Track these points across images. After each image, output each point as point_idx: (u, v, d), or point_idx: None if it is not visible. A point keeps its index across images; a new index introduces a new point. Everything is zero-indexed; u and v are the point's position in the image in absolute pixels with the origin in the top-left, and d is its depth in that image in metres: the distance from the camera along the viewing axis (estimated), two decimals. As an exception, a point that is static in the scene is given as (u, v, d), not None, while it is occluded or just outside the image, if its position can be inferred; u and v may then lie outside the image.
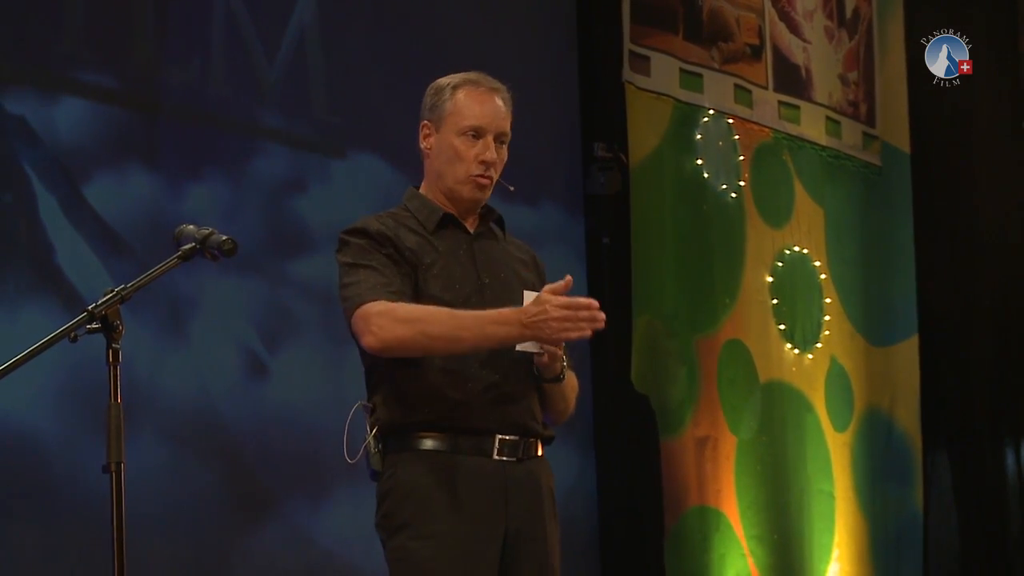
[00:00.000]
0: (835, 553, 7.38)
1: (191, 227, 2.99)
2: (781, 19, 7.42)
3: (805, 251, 7.48)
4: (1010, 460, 7.81)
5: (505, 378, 3.22)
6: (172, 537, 4.57)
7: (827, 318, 7.58)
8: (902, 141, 8.06)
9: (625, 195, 6.36)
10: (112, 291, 2.84)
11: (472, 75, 3.36)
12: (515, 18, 6.14)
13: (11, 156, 4.37)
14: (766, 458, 6.94)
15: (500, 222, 3.44)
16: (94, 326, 2.81)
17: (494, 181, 3.34)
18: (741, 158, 7.04)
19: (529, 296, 3.20)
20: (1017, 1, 7.99)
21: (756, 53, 7.22)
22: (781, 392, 7.18)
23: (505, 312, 3.12)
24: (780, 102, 7.37)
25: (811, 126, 7.58)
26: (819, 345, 7.49)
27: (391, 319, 3.13)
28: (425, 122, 3.36)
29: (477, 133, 3.30)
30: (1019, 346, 7.86)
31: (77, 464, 4.28)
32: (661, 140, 6.63)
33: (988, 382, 7.88)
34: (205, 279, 4.74)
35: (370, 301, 3.16)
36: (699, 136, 6.82)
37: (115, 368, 2.82)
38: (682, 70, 6.72)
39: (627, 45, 6.42)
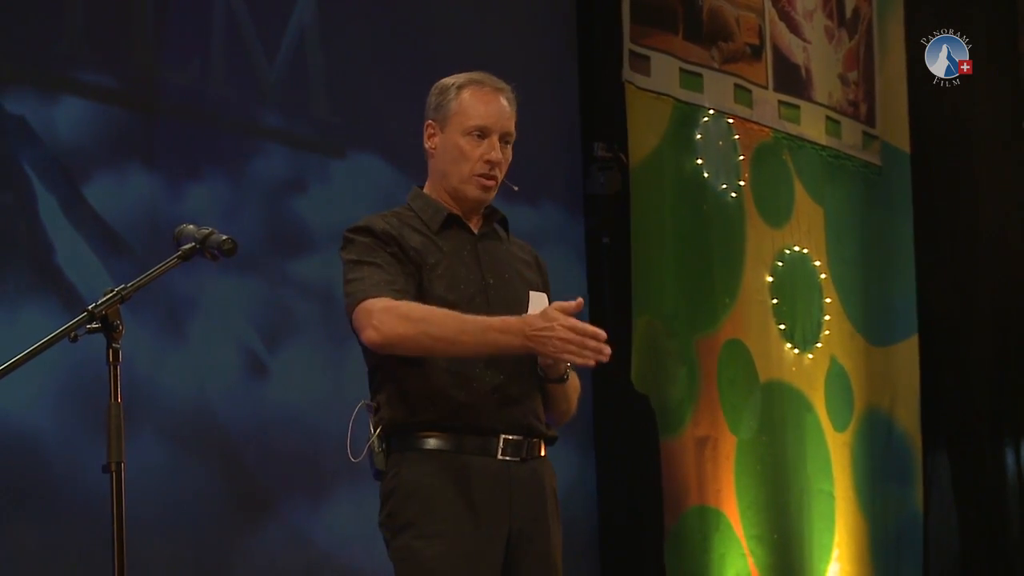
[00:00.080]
0: (835, 553, 7.38)
1: (191, 227, 2.99)
2: (781, 19, 7.42)
3: (805, 251, 7.48)
4: (1010, 460, 7.81)
5: (510, 378, 3.22)
6: (172, 537, 4.57)
7: (827, 318, 7.58)
8: (902, 141, 8.06)
9: (625, 195, 6.36)
10: (112, 291, 2.84)
11: (477, 75, 3.36)
12: (515, 18, 6.14)
13: (11, 156, 4.37)
14: (766, 458, 6.94)
15: (504, 223, 3.44)
16: (94, 326, 2.81)
17: (499, 181, 3.34)
18: (741, 158, 7.04)
19: (535, 297, 3.20)
20: (1017, 1, 7.99)
21: (756, 53, 7.23)
22: (781, 392, 7.18)
23: (510, 321, 3.11)
24: (780, 102, 7.37)
25: (811, 126, 7.58)
26: (819, 345, 7.49)
27: (394, 316, 3.12)
28: (429, 122, 3.36)
29: (482, 133, 3.30)
30: (1019, 346, 7.86)
31: (77, 464, 4.28)
32: (661, 140, 6.63)
33: (988, 382, 7.88)
34: (205, 279, 4.74)
35: (373, 297, 3.16)
36: (699, 136, 6.82)
37: (115, 368, 2.82)
38: (682, 70, 6.72)
39: (627, 45, 6.42)
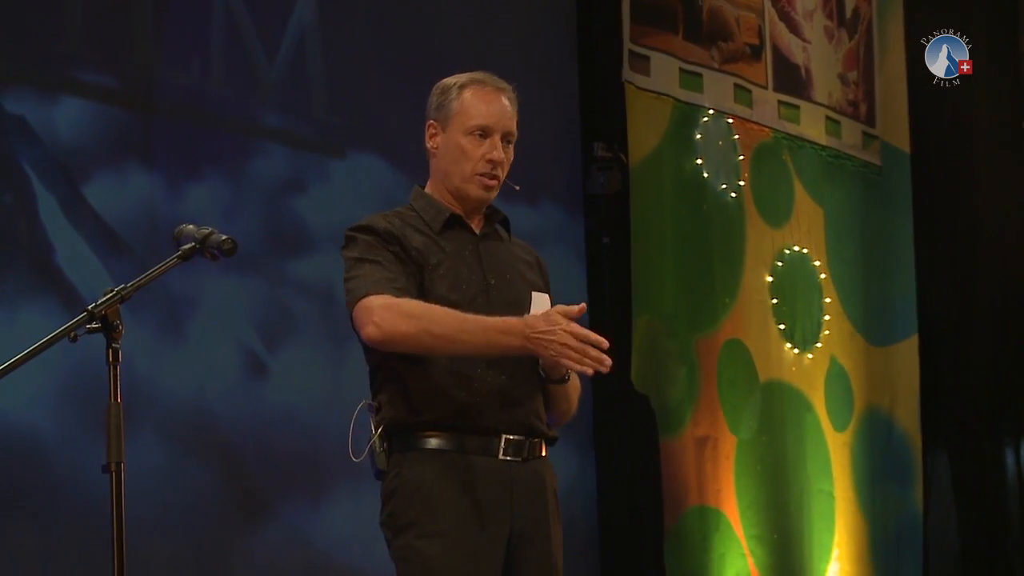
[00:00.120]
0: (835, 553, 7.38)
1: (191, 227, 2.99)
2: (781, 19, 7.42)
3: (805, 251, 7.48)
4: (1010, 460, 7.81)
5: (512, 379, 3.22)
6: (172, 537, 4.57)
7: (827, 318, 7.58)
8: (902, 141, 8.06)
9: (625, 195, 6.36)
10: (112, 291, 2.84)
11: (478, 75, 3.36)
12: (515, 18, 6.14)
13: (11, 156, 4.37)
14: (766, 458, 6.94)
15: (505, 223, 3.44)
16: (94, 326, 2.81)
17: (501, 181, 3.34)
18: (741, 158, 7.04)
19: (537, 298, 3.20)
20: (1017, 1, 7.99)
21: (756, 53, 7.22)
22: (781, 392, 7.18)
23: (511, 321, 3.11)
24: (780, 102, 7.37)
25: (811, 126, 7.58)
26: (819, 345, 7.49)
27: (395, 313, 3.12)
28: (431, 121, 3.36)
29: (484, 132, 3.30)
30: (1019, 346, 7.86)
31: (77, 464, 4.28)
32: (661, 140, 6.63)
33: (988, 382, 7.88)
34: (205, 279, 4.74)
35: (374, 294, 3.16)
36: (699, 136, 6.82)
37: (115, 368, 2.82)
38: (682, 70, 6.72)
39: (627, 45, 6.42)
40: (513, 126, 3.35)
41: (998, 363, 7.87)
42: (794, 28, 7.52)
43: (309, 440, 4.95)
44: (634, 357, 6.28)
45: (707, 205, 6.85)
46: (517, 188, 3.48)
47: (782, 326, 7.23)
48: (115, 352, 2.82)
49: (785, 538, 6.99)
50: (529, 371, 3.25)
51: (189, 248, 2.95)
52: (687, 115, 6.77)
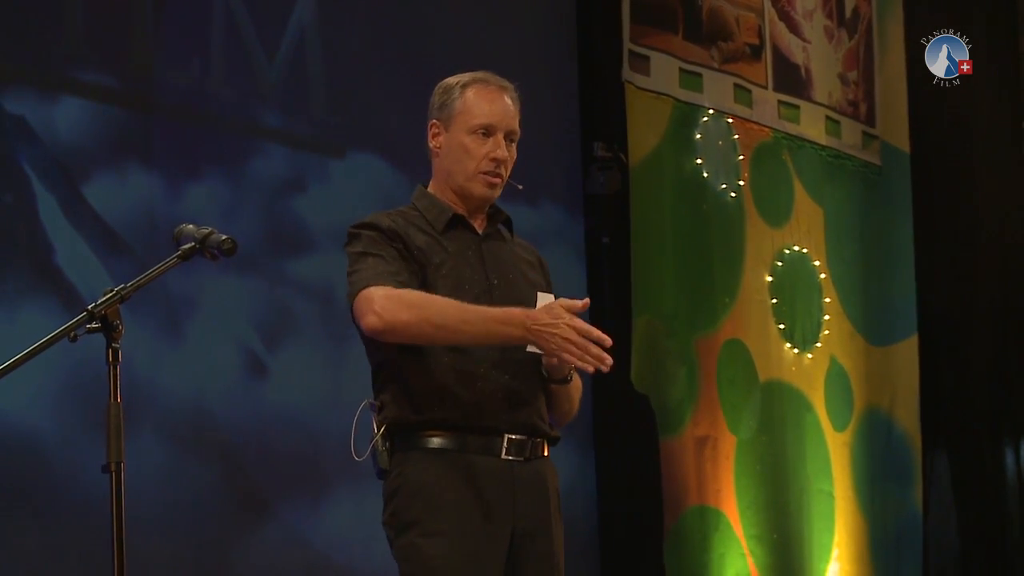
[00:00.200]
0: (835, 553, 7.38)
1: (191, 227, 2.99)
2: (781, 19, 7.42)
3: (805, 251, 7.48)
4: (1010, 460, 7.81)
5: (515, 379, 3.22)
6: (172, 537, 4.57)
7: (827, 318, 7.58)
8: (902, 141, 8.05)
9: (625, 195, 6.36)
10: (112, 291, 2.84)
11: (480, 74, 3.36)
12: (515, 18, 6.14)
13: (11, 156, 4.37)
14: (766, 458, 6.94)
15: (508, 223, 3.44)
16: (94, 326, 2.81)
17: (504, 179, 3.34)
18: (741, 158, 7.04)
19: (542, 298, 3.19)
20: (1017, 1, 7.99)
21: (756, 53, 7.22)
22: (781, 392, 7.18)
23: (513, 312, 3.11)
24: (780, 102, 7.37)
25: (811, 126, 7.58)
26: (819, 345, 7.49)
27: (396, 302, 3.12)
28: (434, 121, 3.36)
29: (487, 131, 3.30)
30: (1019, 346, 7.86)
31: (77, 464, 4.28)
32: (661, 140, 6.63)
33: (987, 382, 7.88)
34: (204, 279, 4.74)
35: (375, 285, 3.16)
36: (699, 136, 6.82)
37: (115, 368, 2.82)
38: (682, 70, 6.72)
39: (627, 45, 6.42)
40: (516, 125, 3.35)
41: (998, 363, 7.87)
42: (794, 28, 7.52)
43: (309, 440, 4.95)
44: (634, 357, 6.28)
45: (707, 205, 6.85)
46: (520, 187, 3.48)
47: (782, 326, 7.23)
48: (115, 352, 2.82)
49: (785, 538, 6.99)
50: (532, 371, 3.25)
51: (189, 248, 2.95)
52: (687, 115, 6.77)
